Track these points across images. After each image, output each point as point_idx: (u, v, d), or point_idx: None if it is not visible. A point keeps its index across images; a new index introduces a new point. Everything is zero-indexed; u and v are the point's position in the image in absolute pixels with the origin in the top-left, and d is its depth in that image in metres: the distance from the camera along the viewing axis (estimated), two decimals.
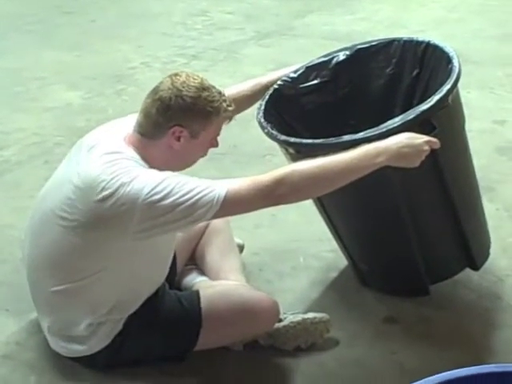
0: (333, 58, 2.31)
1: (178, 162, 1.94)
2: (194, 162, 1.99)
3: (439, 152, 1.91)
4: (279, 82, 2.25)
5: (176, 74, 1.92)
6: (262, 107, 2.16)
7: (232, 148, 3.11)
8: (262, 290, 2.17)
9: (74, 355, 2.01)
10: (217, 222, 2.24)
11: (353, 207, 2.18)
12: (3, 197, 2.90)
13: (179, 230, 1.89)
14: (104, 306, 1.94)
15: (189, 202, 1.77)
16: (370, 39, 2.36)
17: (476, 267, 2.31)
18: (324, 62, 2.31)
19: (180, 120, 1.88)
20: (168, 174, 1.83)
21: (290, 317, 2.14)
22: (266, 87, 2.23)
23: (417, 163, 1.84)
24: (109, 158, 1.85)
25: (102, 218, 1.81)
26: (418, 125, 1.90)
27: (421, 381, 1.26)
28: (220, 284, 2.18)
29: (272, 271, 2.45)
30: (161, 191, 1.77)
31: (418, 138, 1.84)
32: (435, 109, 1.94)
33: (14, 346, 2.13)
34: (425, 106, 1.93)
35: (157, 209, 1.77)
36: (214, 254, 2.28)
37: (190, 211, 1.77)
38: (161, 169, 1.89)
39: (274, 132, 2.05)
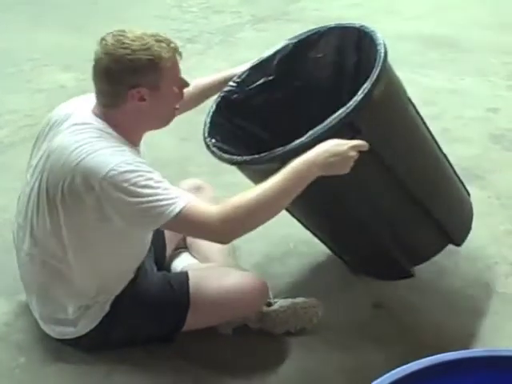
0: (276, 54, 2.22)
1: (154, 121, 1.91)
2: (170, 115, 1.92)
3: (379, 150, 1.83)
4: (225, 89, 2.17)
5: (102, 39, 1.83)
6: (208, 123, 2.08)
7: None
8: None
9: (63, 337, 2.02)
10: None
11: (312, 213, 2.14)
12: None
13: (130, 224, 1.82)
14: (89, 288, 1.94)
15: (144, 203, 1.72)
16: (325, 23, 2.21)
17: (457, 244, 2.25)
18: (267, 59, 2.22)
19: (129, 81, 1.80)
20: (135, 164, 1.77)
21: (280, 301, 2.14)
22: (205, 89, 2.20)
23: (346, 170, 1.78)
24: (76, 128, 1.84)
25: (72, 190, 1.79)
26: (341, 130, 1.79)
27: (408, 365, 1.27)
28: (209, 266, 2.19)
29: (262, 256, 2.45)
30: (128, 179, 1.73)
31: (343, 145, 1.76)
32: (355, 112, 1.79)
33: (2, 327, 2.13)
34: (343, 112, 1.79)
35: (116, 193, 1.74)
36: None
37: (144, 212, 1.73)
38: (139, 133, 1.89)
39: (217, 151, 1.97)
